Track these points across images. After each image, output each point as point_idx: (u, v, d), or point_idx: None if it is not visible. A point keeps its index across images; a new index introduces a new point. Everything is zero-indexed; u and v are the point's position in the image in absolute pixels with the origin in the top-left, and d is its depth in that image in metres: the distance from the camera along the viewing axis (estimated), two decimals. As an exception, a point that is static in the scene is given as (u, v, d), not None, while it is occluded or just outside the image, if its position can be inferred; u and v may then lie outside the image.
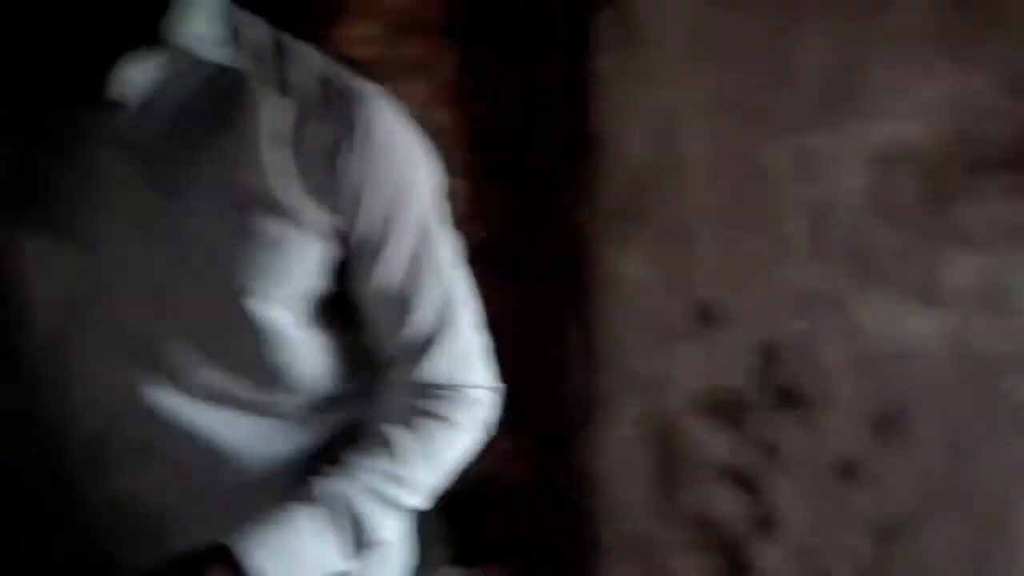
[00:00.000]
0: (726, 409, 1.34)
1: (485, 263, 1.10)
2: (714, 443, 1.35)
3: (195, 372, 0.79)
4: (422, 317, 0.81)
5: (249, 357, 0.78)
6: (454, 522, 0.99)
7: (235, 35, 0.76)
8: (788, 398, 1.33)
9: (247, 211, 0.75)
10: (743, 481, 1.33)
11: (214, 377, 0.78)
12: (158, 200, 0.76)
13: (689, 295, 1.31)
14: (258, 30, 0.78)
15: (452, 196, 0.81)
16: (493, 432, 0.90)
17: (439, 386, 0.82)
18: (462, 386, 0.82)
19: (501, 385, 0.85)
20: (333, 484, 0.73)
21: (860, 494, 1.30)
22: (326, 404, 0.82)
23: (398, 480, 0.76)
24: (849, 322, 1.31)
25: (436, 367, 0.82)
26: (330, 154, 0.75)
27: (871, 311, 1.29)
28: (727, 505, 1.34)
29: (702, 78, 1.24)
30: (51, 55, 0.76)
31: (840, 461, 1.30)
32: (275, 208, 0.75)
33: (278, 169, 0.75)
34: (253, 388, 0.80)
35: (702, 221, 1.28)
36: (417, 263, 0.80)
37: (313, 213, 0.76)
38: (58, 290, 0.78)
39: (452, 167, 0.89)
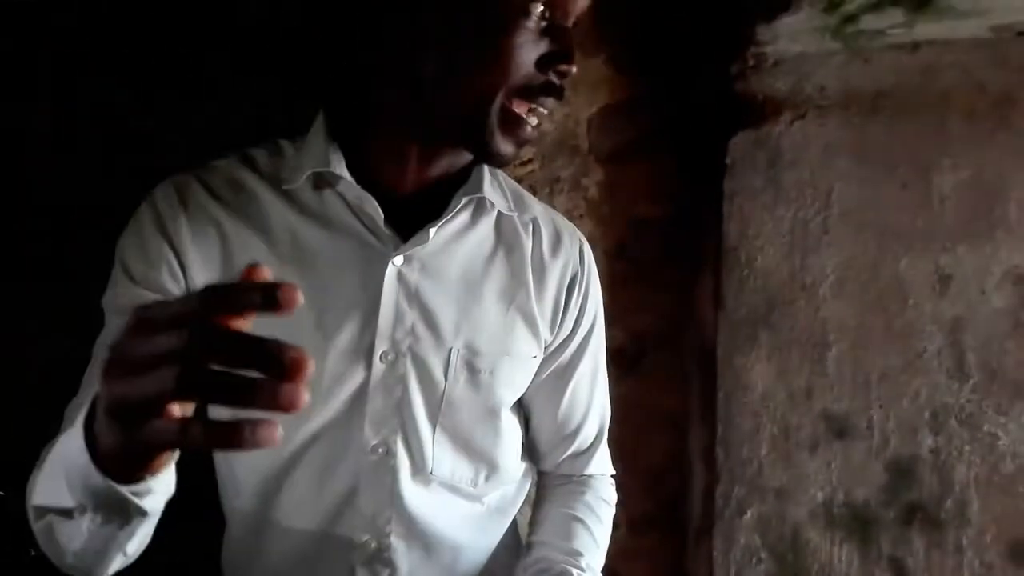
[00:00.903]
0: (853, 523, 1.32)
1: (621, 365, 1.16)
2: (839, 557, 1.33)
3: (443, 463, 0.89)
4: (594, 419, 1.02)
5: (487, 451, 0.92)
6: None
7: (497, 179, 0.95)
8: (918, 515, 1.31)
9: (515, 327, 0.90)
10: (870, 598, 1.31)
11: (459, 467, 0.91)
12: (436, 316, 0.86)
13: (818, 406, 1.31)
14: (509, 183, 0.97)
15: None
16: (616, 531, 0.99)
17: (600, 476, 1.05)
18: (609, 475, 1.06)
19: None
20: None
21: (994, 620, 1.26)
22: (513, 494, 1.00)
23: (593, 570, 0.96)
24: (984, 440, 1.29)
25: (599, 460, 1.04)
26: (563, 284, 0.94)
27: (1007, 430, 1.27)
28: (853, 621, 1.31)
29: (838, 196, 1.26)
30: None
31: (973, 584, 1.27)
32: (532, 326, 0.91)
33: (533, 295, 0.91)
34: (481, 477, 0.94)
35: (834, 334, 1.29)
36: (595, 376, 1.01)
37: (544, 332, 0.93)
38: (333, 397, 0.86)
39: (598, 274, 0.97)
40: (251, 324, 0.46)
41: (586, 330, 0.98)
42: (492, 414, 0.91)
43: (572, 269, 0.95)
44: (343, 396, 0.84)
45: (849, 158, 1.26)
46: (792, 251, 1.27)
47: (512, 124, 0.77)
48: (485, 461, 0.92)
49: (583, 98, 1.31)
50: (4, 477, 1.08)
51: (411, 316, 0.84)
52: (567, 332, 0.96)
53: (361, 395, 0.84)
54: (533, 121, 0.79)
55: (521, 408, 0.98)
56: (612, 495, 1.06)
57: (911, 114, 1.25)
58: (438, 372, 0.86)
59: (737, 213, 1.26)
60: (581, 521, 0.98)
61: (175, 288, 0.81)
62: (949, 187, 1.26)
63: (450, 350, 0.86)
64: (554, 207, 0.97)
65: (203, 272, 0.81)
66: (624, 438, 1.33)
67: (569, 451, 1.02)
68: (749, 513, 1.32)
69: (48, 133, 1.20)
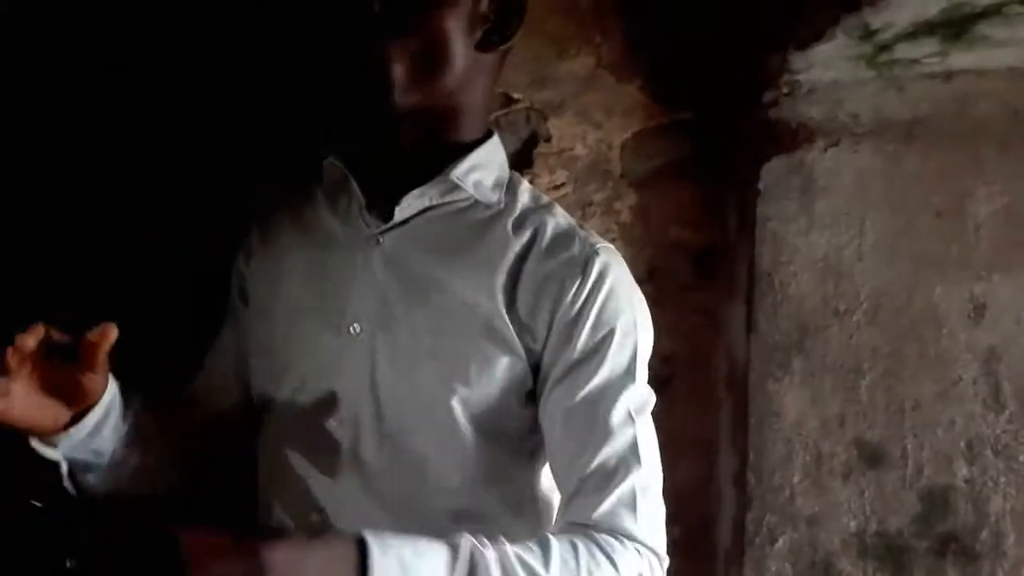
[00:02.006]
0: (886, 553, 1.31)
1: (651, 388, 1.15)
2: (872, 587, 1.32)
3: (376, 451, 0.89)
4: (600, 455, 0.84)
5: (433, 452, 0.88)
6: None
7: (509, 183, 0.95)
8: (953, 546, 1.29)
9: (472, 329, 0.87)
10: (900, 628, 1.29)
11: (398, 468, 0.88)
12: (400, 301, 0.88)
13: (851, 434, 1.30)
14: (524, 185, 0.97)
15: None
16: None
17: (615, 531, 0.82)
18: (626, 536, 0.81)
19: (666, 558, 0.85)
20: (475, 545, 0.74)
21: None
22: (466, 517, 0.87)
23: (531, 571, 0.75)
24: (1020, 471, 1.27)
25: (612, 511, 0.82)
26: (552, 291, 0.87)
27: (1043, 461, 1.26)
28: (883, 652, 1.30)
29: (872, 223, 1.27)
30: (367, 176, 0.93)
31: (1006, 617, 1.25)
32: (493, 332, 0.87)
33: (504, 297, 0.88)
34: (425, 484, 0.88)
35: (867, 361, 1.29)
36: (597, 405, 0.86)
37: (515, 338, 0.87)
38: (312, 362, 0.92)
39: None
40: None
41: (582, 352, 0.87)
42: (435, 408, 0.88)
43: (569, 280, 0.87)
44: (318, 365, 0.92)
45: (883, 186, 1.26)
46: (825, 277, 1.27)
47: None
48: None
49: (616, 123, 1.33)
50: (40, 488, 1.09)
51: (386, 290, 0.90)
52: (554, 347, 0.88)
53: (334, 365, 0.91)
54: None
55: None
56: (626, 561, 0.80)
57: (946, 142, 1.25)
58: (401, 349, 0.89)
59: (770, 238, 1.27)
60: (550, 543, 0.79)
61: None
62: (984, 215, 1.26)
63: (402, 331, 0.89)
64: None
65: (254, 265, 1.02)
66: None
67: (570, 490, 0.87)
68: (780, 541, 1.31)
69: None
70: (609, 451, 0.84)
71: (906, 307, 1.27)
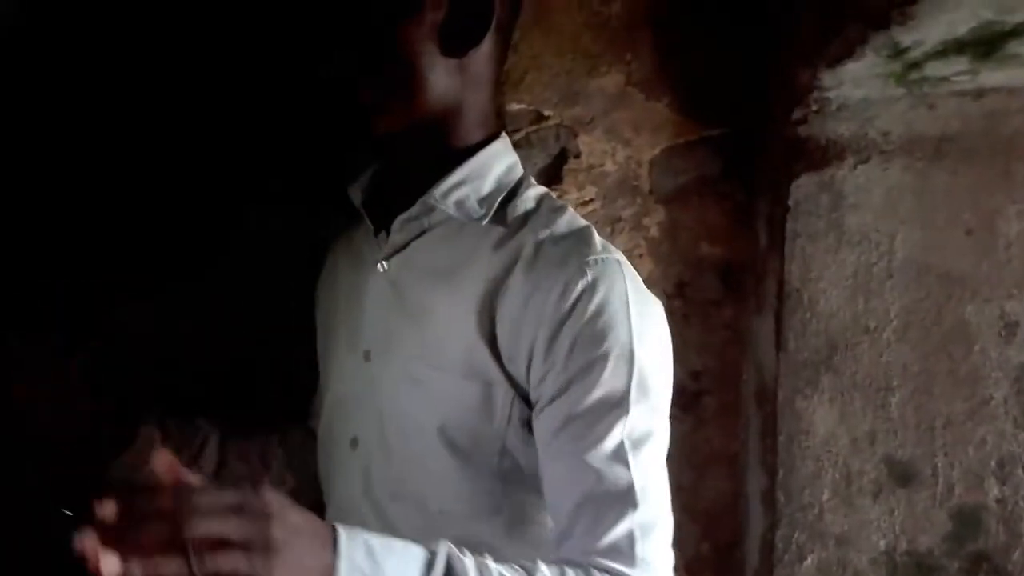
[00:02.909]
0: (916, 572, 1.29)
1: (679, 405, 1.15)
2: (901, 606, 1.31)
3: (384, 475, 0.90)
4: (578, 500, 0.78)
5: (431, 480, 0.87)
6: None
7: (509, 195, 0.90)
8: (984, 566, 1.28)
9: (452, 357, 0.85)
10: (932, 650, 1.28)
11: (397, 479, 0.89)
12: (397, 328, 0.88)
13: (881, 452, 1.29)
14: (531, 191, 0.91)
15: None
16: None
17: (596, 566, 0.76)
18: (617, 570, 0.76)
19: None
20: (455, 551, 0.70)
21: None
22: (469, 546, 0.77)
23: None
24: (1053, 491, 1.26)
25: (593, 554, 0.77)
26: (533, 310, 0.80)
27: (1076, 480, 1.25)
28: (913, 674, 1.29)
29: (902, 240, 1.26)
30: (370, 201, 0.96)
31: (1038, 638, 1.24)
32: (473, 360, 0.83)
33: (483, 322, 0.83)
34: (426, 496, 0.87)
35: (897, 379, 1.28)
36: (583, 443, 0.78)
37: (496, 365, 0.83)
38: (341, 384, 0.95)
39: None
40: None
41: (567, 378, 0.79)
42: (424, 436, 0.85)
43: (552, 295, 0.80)
44: (343, 388, 0.95)
45: (913, 203, 1.26)
46: (855, 294, 1.27)
47: None
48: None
49: (645, 140, 1.33)
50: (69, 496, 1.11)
51: (388, 316, 0.90)
52: (539, 372, 0.81)
53: (351, 389, 0.94)
54: None
55: None
56: None
57: (976, 160, 1.25)
58: (397, 374, 0.89)
59: (799, 255, 1.27)
60: (538, 567, 0.74)
61: None
62: (1015, 233, 1.25)
63: (398, 357, 0.89)
64: (615, 246, 0.87)
65: None
66: (681, 479, 1.33)
67: (560, 529, 0.81)
68: (809, 559, 1.30)
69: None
70: (599, 490, 0.77)
71: (936, 324, 1.27)
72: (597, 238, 0.86)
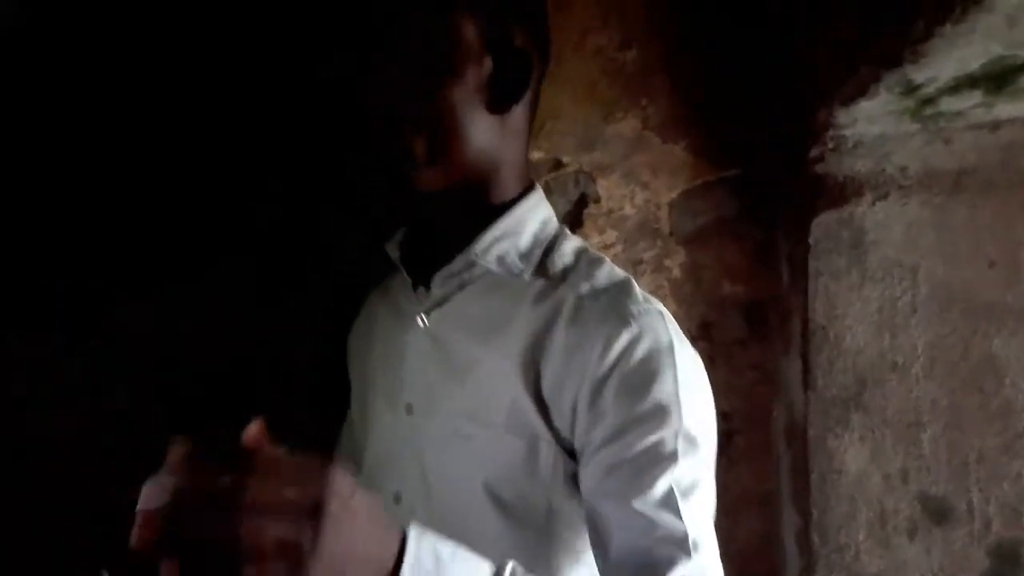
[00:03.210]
0: (957, 612, 1.27)
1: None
2: (943, 648, 1.28)
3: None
4: (629, 554, 0.76)
5: (476, 537, 0.84)
6: None
7: (548, 248, 0.91)
8: (1027, 604, 1.26)
9: (497, 414, 0.85)
10: None
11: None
12: (440, 383, 0.88)
13: (915, 490, 1.28)
14: (568, 244, 0.92)
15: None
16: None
17: None
18: None
19: None
20: (519, 569, 0.68)
21: None
22: None
23: None
24: (1093, 525, 1.24)
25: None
26: (577, 364, 0.80)
27: (1116, 514, 1.22)
28: None
29: (925, 275, 1.26)
30: (410, 255, 0.97)
31: None
32: (517, 416, 0.83)
33: (527, 378, 0.83)
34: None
35: (928, 414, 1.27)
36: (630, 496, 0.77)
37: (541, 421, 0.82)
38: (382, 438, 0.96)
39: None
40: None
41: (611, 432, 0.79)
42: (470, 492, 0.85)
43: (596, 349, 0.80)
44: (383, 443, 0.95)
45: (934, 237, 1.26)
46: (881, 330, 1.26)
47: None
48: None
49: (663, 182, 1.35)
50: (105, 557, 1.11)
51: (428, 371, 0.90)
52: (584, 426, 0.81)
53: (391, 444, 0.94)
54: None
55: None
56: None
57: (995, 192, 1.25)
58: (440, 430, 0.88)
59: (823, 293, 1.27)
60: None
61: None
62: (1036, 260, 1.25)
63: (442, 413, 0.88)
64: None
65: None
66: (715, 520, 1.31)
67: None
68: (846, 601, 1.28)
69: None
70: (650, 539, 0.76)
71: (964, 358, 1.26)
72: (638, 289, 0.86)
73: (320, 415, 1.18)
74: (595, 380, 0.79)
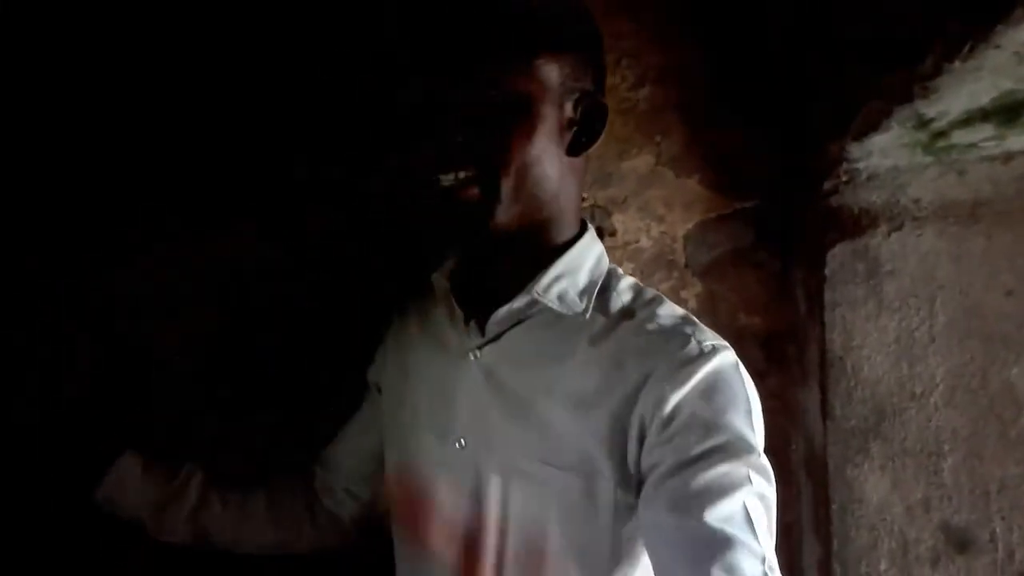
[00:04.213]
0: (982, 643, 1.26)
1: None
2: None
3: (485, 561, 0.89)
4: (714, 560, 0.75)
5: (530, 562, 0.88)
6: None
7: (604, 286, 0.93)
8: (1053, 635, 1.25)
9: (560, 453, 0.86)
10: None
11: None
12: (498, 419, 0.89)
13: (937, 519, 1.28)
14: (624, 282, 0.95)
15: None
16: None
17: None
18: None
19: None
20: None
21: None
22: None
23: None
24: (1118, 554, 1.23)
25: None
26: (647, 401, 0.82)
27: None
28: None
29: (942, 305, 1.27)
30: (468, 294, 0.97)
31: None
32: (582, 455, 0.85)
33: (590, 417, 0.85)
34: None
35: (948, 444, 1.27)
36: (701, 537, 0.76)
37: (606, 459, 0.84)
38: (429, 468, 0.96)
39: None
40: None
41: (673, 466, 0.80)
42: (533, 529, 0.87)
43: (666, 388, 0.82)
44: (430, 473, 0.95)
45: (950, 267, 1.27)
46: (899, 360, 1.27)
47: None
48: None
49: (677, 215, 1.37)
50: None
51: (483, 407, 0.91)
52: (652, 463, 0.82)
53: (439, 476, 0.94)
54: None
55: None
56: None
57: (1010, 222, 1.26)
58: (499, 466, 0.89)
59: (840, 323, 1.28)
60: None
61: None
62: (1054, 289, 1.26)
63: (500, 449, 0.89)
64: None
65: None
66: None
67: None
68: (869, 633, 1.28)
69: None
70: (725, 562, 0.74)
71: (983, 388, 1.26)
72: (701, 325, 0.89)
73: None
74: (667, 414, 0.81)
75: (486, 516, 0.89)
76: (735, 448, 0.79)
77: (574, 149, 0.88)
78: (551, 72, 0.84)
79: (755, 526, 0.77)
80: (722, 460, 0.78)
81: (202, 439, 1.25)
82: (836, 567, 1.28)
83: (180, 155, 1.27)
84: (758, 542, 0.76)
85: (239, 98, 1.27)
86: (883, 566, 1.28)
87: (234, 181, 1.28)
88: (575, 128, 0.88)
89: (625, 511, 0.85)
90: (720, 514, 0.76)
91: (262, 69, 1.27)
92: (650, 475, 0.82)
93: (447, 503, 0.92)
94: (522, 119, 0.83)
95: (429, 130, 0.86)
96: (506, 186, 0.84)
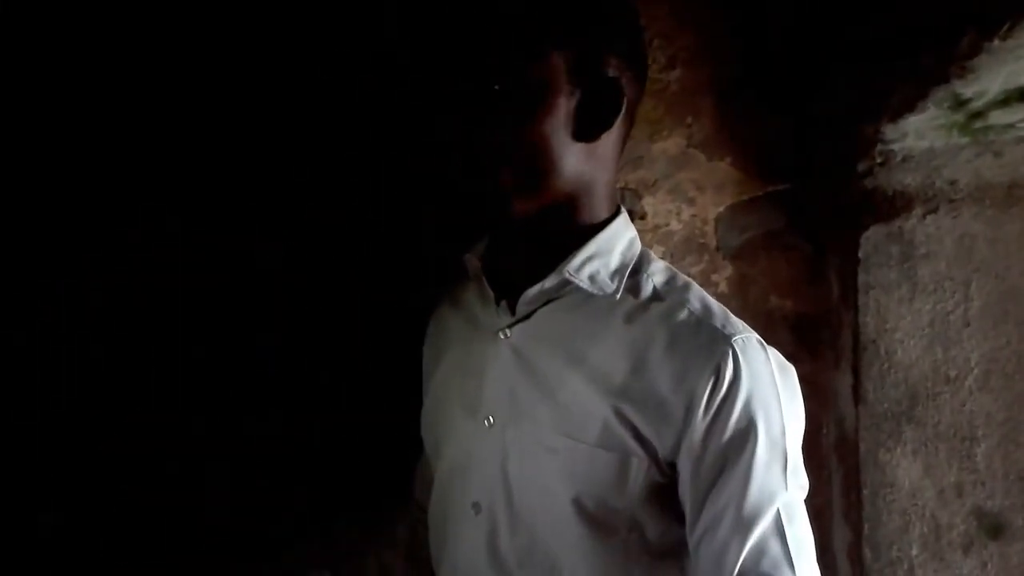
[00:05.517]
0: (1015, 629, 1.26)
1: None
2: (1001, 665, 1.26)
3: (511, 542, 0.90)
4: (743, 562, 0.81)
5: (562, 548, 0.88)
6: None
7: (635, 268, 0.93)
8: (1088, 621, 1.24)
9: (588, 429, 0.87)
10: None
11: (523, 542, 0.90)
12: (526, 396, 0.90)
13: (970, 504, 1.27)
14: (656, 266, 0.94)
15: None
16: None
17: None
18: None
19: None
20: None
21: None
22: None
23: None
24: None
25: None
26: (685, 388, 0.83)
27: None
28: None
29: (977, 288, 1.25)
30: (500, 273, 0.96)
31: None
32: (609, 432, 0.86)
33: (622, 396, 0.86)
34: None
35: (982, 428, 1.26)
36: (738, 523, 0.81)
37: (632, 439, 0.85)
38: (458, 448, 0.97)
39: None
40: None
41: (718, 460, 0.83)
42: (557, 504, 0.88)
43: (702, 377, 0.83)
44: (460, 451, 0.96)
45: (986, 250, 1.26)
46: (933, 344, 1.26)
47: None
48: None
49: (709, 198, 1.36)
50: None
51: (512, 384, 0.91)
52: (690, 448, 0.84)
53: (471, 453, 0.94)
54: None
55: None
56: None
57: (1049, 203, 1.24)
58: (525, 441, 0.90)
59: (873, 306, 1.27)
60: None
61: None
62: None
63: (528, 426, 0.90)
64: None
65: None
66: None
67: None
68: (901, 617, 1.27)
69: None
70: (757, 563, 0.81)
71: (1019, 372, 1.25)
72: (733, 316, 0.90)
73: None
74: (704, 408, 0.83)
75: (512, 491, 0.90)
76: (769, 447, 0.82)
77: (584, 135, 0.86)
78: (559, 63, 0.84)
79: (785, 531, 0.81)
80: (756, 460, 0.82)
81: (202, 439, 1.26)
82: (867, 551, 1.28)
83: (180, 155, 1.28)
84: (787, 546, 0.81)
85: (239, 98, 1.28)
86: (914, 551, 1.27)
87: (234, 181, 1.29)
88: (584, 115, 0.86)
89: (651, 491, 0.87)
90: (752, 523, 0.81)
91: (262, 69, 1.27)
92: (689, 474, 0.84)
93: (475, 478, 0.94)
94: (531, 111, 0.83)
95: (435, 123, 0.87)
96: (518, 177, 0.85)
